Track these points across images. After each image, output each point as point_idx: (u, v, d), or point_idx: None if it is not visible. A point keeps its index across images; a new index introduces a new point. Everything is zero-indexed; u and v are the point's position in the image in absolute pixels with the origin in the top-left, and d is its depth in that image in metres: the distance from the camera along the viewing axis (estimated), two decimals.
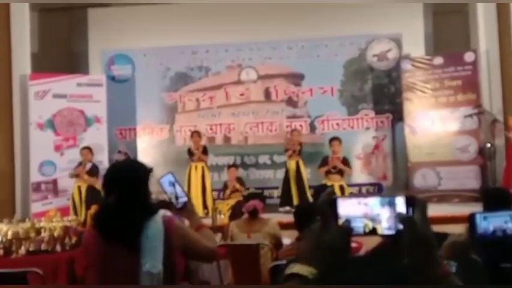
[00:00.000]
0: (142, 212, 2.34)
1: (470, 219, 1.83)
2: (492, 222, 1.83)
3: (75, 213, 8.37)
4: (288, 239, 5.04)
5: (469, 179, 9.02)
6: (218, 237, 6.03)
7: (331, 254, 1.04)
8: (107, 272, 2.34)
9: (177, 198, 2.52)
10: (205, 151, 9.50)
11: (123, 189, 2.37)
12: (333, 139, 9.03)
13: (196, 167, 9.36)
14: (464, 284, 1.05)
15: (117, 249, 2.30)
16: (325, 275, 1.02)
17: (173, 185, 2.52)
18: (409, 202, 1.08)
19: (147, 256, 2.25)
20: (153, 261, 2.24)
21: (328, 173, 8.78)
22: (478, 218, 1.81)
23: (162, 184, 2.55)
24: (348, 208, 1.10)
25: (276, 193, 9.98)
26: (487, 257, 1.98)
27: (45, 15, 10.43)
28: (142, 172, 2.47)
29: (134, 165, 2.57)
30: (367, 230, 1.09)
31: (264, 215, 5.46)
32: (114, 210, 2.34)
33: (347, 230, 1.07)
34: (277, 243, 5.11)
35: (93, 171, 8.88)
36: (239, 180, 9.20)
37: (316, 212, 1.11)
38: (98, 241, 2.34)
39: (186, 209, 2.56)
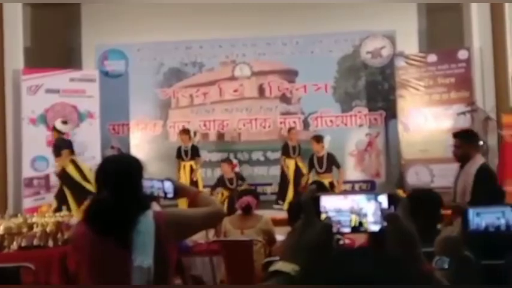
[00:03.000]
0: (135, 207, 2.33)
1: (463, 214, 1.83)
2: (485, 218, 1.83)
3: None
4: (281, 235, 5.04)
5: None
6: (211, 233, 6.03)
7: (312, 251, 1.04)
8: (97, 266, 2.34)
9: (165, 194, 2.52)
10: (194, 152, 9.46)
11: (115, 184, 2.36)
12: (312, 138, 9.20)
13: (184, 166, 9.38)
14: (458, 280, 1.06)
15: (108, 244, 2.30)
16: (307, 272, 1.02)
17: (161, 181, 2.53)
18: (392, 200, 1.10)
19: (138, 251, 2.25)
20: (143, 256, 2.24)
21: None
22: (471, 214, 1.81)
23: (150, 182, 2.54)
24: (335, 203, 1.11)
25: (270, 190, 9.99)
26: (479, 253, 1.99)
27: (38, 9, 10.36)
28: (135, 167, 2.46)
29: (127, 159, 2.56)
30: (353, 225, 1.11)
31: (258, 212, 5.46)
32: (107, 205, 2.33)
33: (328, 226, 1.07)
34: (270, 240, 5.12)
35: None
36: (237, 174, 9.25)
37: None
38: (89, 236, 2.33)
39: (177, 190, 2.54)
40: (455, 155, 4.95)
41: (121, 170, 2.42)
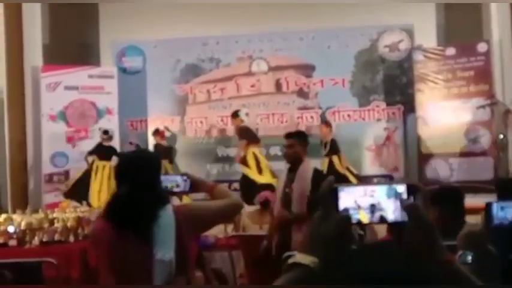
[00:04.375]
0: (155, 202, 2.35)
1: (487, 208, 1.81)
2: (509, 213, 1.82)
3: None
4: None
5: (482, 170, 8.96)
6: (230, 228, 6.05)
7: (331, 243, 1.04)
8: (119, 261, 2.35)
9: (181, 188, 2.55)
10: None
11: (136, 179, 2.38)
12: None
13: None
14: (481, 274, 1.05)
15: (130, 239, 2.31)
16: (326, 264, 1.02)
17: (177, 176, 2.57)
18: (411, 190, 1.09)
19: (159, 245, 2.27)
20: (165, 250, 2.26)
21: None
22: (495, 208, 1.79)
23: (166, 177, 2.59)
24: (354, 198, 1.10)
25: None
26: (503, 248, 1.97)
27: (57, 6, 10.44)
28: (154, 162, 2.48)
29: (146, 155, 2.58)
30: (375, 220, 1.10)
31: None
32: (128, 200, 2.35)
33: (346, 218, 1.07)
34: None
35: None
36: None
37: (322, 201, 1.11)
38: (110, 231, 2.35)
39: (193, 185, 2.56)
40: (288, 155, 4.71)
41: (140, 165, 2.44)
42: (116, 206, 2.41)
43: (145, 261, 2.26)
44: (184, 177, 2.56)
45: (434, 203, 3.17)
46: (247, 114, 9.66)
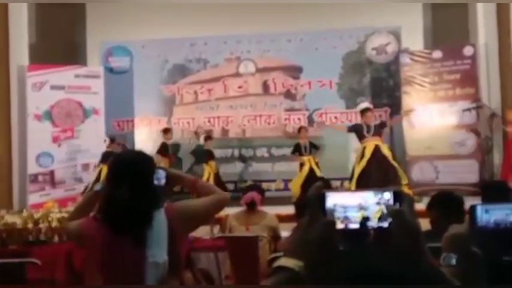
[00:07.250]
0: (151, 203, 2.32)
1: (472, 211, 1.82)
2: (493, 215, 1.83)
3: None
4: (286, 231, 5.04)
5: (467, 173, 9.02)
6: (216, 229, 6.04)
7: (316, 247, 1.05)
8: (111, 262, 2.33)
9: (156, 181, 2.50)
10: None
11: (131, 181, 2.33)
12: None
13: None
14: (465, 275, 1.06)
15: (123, 240, 2.28)
16: (311, 268, 1.02)
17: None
18: (396, 196, 1.11)
19: (153, 247, 2.25)
20: (158, 252, 2.24)
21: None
22: (479, 211, 1.80)
23: None
24: (342, 203, 1.11)
25: (274, 186, 9.98)
26: (488, 250, 1.98)
27: (43, 5, 10.36)
28: (149, 163, 2.45)
29: (141, 156, 2.52)
30: (360, 220, 1.11)
31: (262, 208, 5.46)
32: (124, 202, 2.31)
33: (331, 223, 1.08)
34: (275, 236, 5.12)
35: None
36: None
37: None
38: (102, 231, 2.32)
39: (170, 179, 2.50)
40: None
41: (135, 166, 2.40)
42: (112, 207, 2.36)
43: (138, 263, 2.24)
44: (161, 171, 2.49)
45: (436, 207, 3.21)
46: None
